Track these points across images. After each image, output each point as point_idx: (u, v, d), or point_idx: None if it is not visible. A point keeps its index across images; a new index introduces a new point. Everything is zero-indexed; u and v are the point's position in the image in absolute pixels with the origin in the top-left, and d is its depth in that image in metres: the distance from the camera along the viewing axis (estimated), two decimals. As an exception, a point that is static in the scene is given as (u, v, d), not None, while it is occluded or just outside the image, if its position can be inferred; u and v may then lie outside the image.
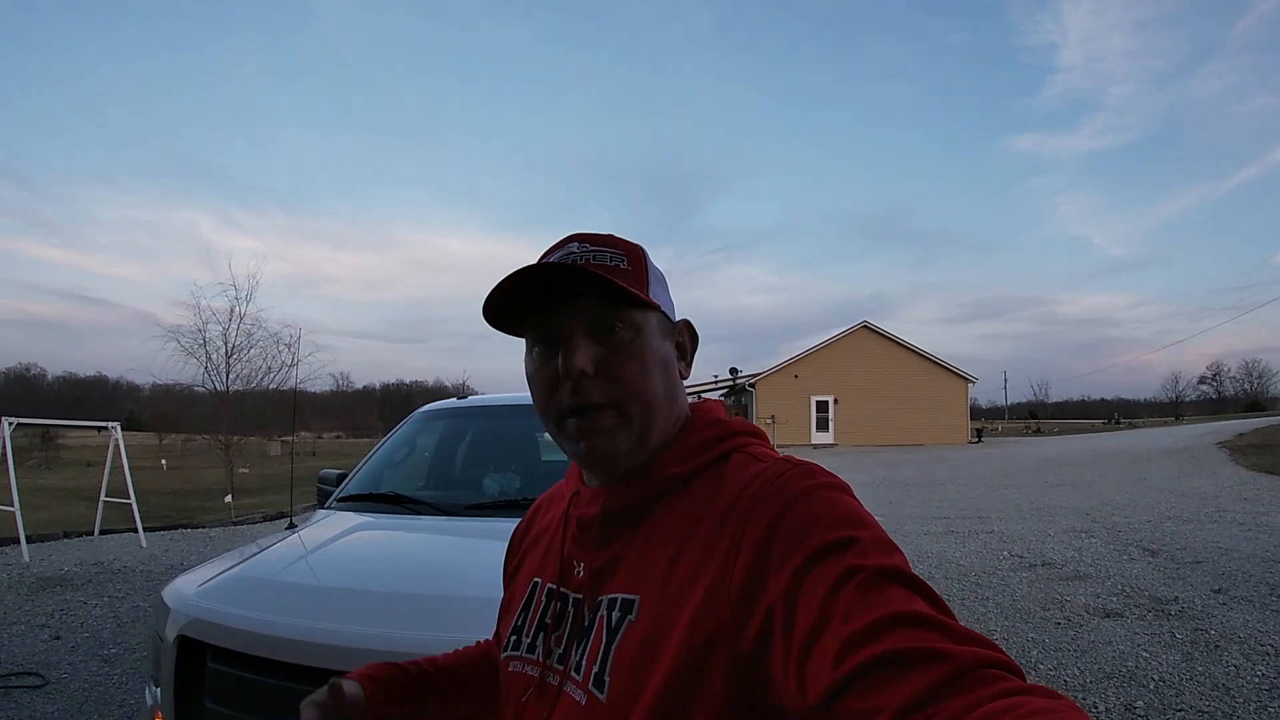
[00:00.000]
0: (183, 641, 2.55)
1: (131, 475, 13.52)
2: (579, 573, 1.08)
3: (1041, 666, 5.98)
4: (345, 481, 4.56)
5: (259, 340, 25.23)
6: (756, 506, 0.89)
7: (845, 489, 0.91)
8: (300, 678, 2.25)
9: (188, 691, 2.53)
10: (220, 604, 2.64)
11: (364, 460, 4.82)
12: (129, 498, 13.25)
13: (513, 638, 1.15)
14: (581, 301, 1.01)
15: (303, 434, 48.01)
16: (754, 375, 47.25)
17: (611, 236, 1.11)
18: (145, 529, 13.64)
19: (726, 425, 1.10)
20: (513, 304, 1.04)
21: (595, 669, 0.94)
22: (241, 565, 3.10)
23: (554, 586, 1.11)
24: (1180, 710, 5.07)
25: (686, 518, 0.97)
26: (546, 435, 5.04)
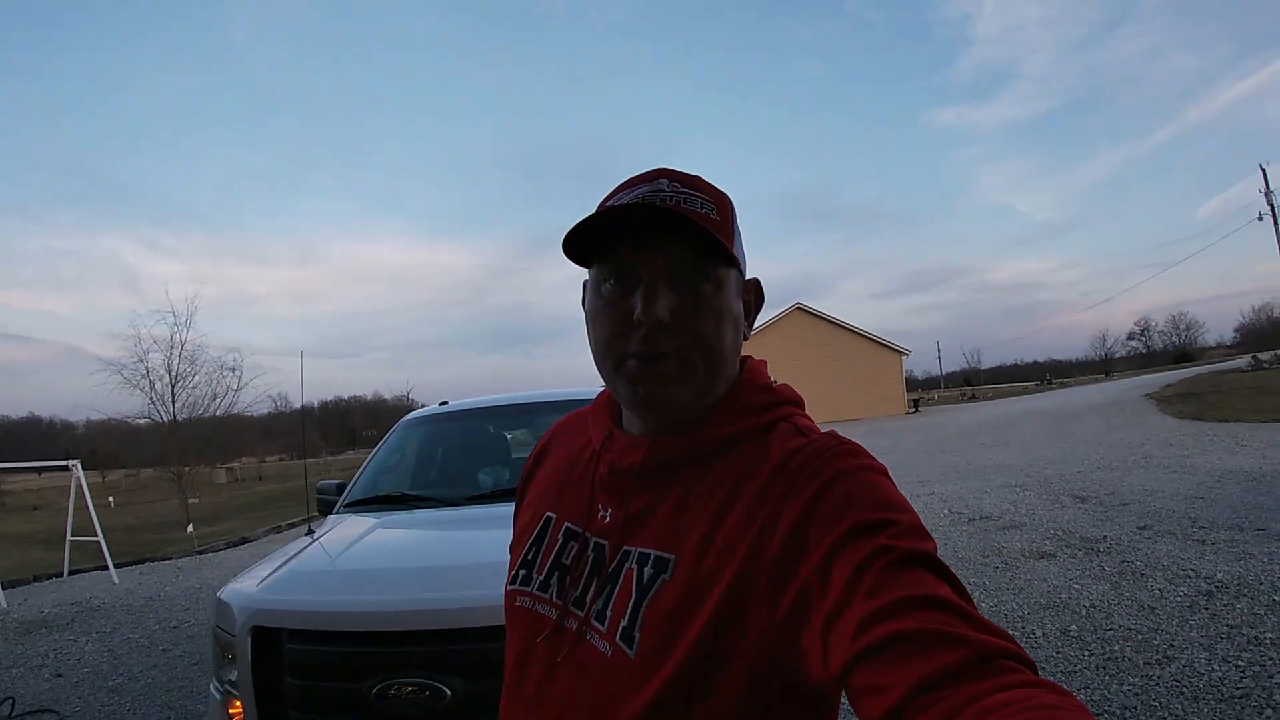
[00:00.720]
0: (256, 631, 2.94)
1: (93, 513, 13.61)
2: (604, 517, 1.05)
3: (984, 605, 6.58)
4: (348, 489, 4.97)
5: (203, 366, 25.13)
6: (799, 480, 0.89)
7: (884, 472, 0.93)
8: (365, 642, 2.77)
9: (264, 675, 2.92)
10: (286, 595, 3.08)
11: (361, 468, 5.25)
12: (95, 535, 13.29)
13: (521, 571, 1.12)
14: (670, 246, 0.97)
15: (245, 459, 47.15)
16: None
17: (700, 179, 1.05)
18: (98, 568, 13.81)
19: (775, 392, 1.09)
20: (591, 233, 1.00)
21: (624, 623, 0.93)
22: (289, 563, 3.50)
23: (574, 526, 1.09)
24: (1110, 630, 5.70)
25: (727, 482, 0.96)
26: (513, 434, 5.56)
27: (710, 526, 0.93)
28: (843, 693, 0.80)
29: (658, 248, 0.97)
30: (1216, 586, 6.40)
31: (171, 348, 24.32)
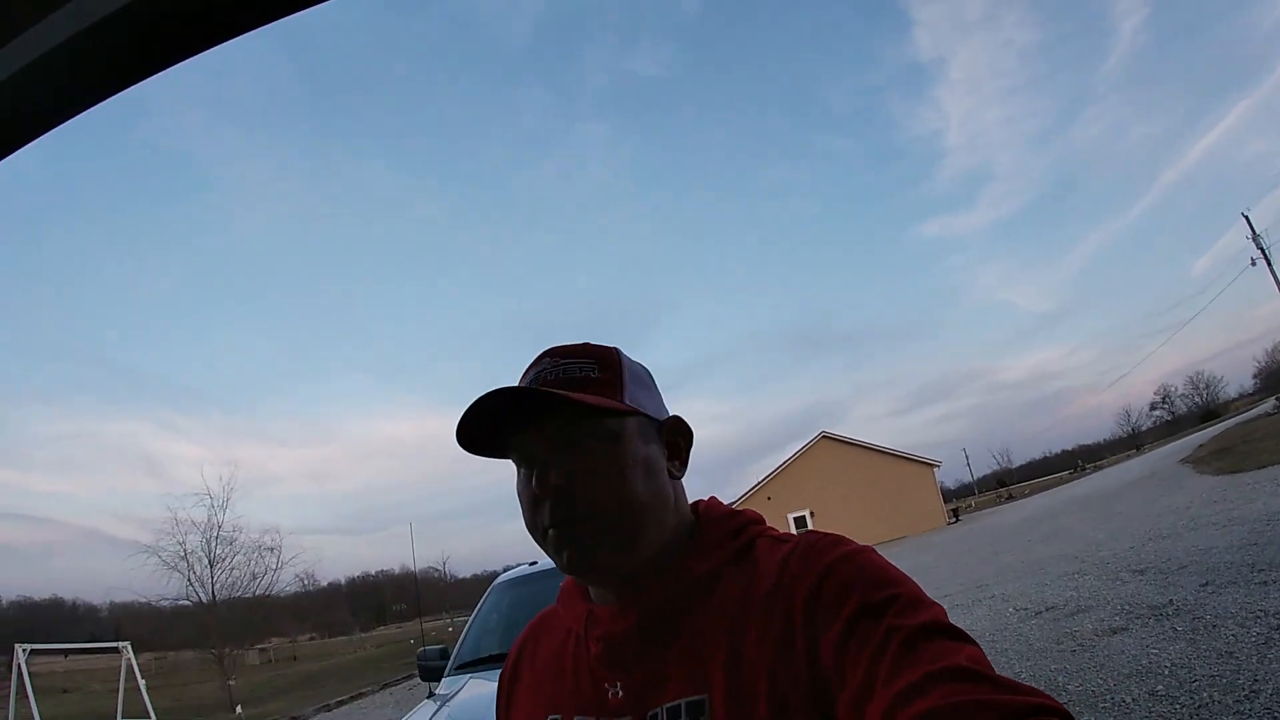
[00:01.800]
0: None
1: (146, 695, 13.57)
2: (615, 695, 1.02)
3: (1070, 686, 6.65)
4: (455, 651, 5.26)
5: (242, 548, 25.15)
6: (797, 580, 0.90)
7: (873, 551, 0.94)
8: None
9: None
10: None
11: (465, 631, 5.57)
12: (148, 717, 13.26)
13: None
14: (549, 420, 1.01)
15: (275, 640, 46.21)
16: (731, 504, 47.43)
17: (585, 346, 1.10)
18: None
19: (740, 515, 1.12)
20: (491, 428, 1.04)
21: None
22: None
23: (586, 718, 1.05)
24: (1195, 681, 5.82)
25: (729, 610, 0.96)
26: None
27: (730, 655, 0.92)
28: None
29: (540, 425, 1.01)
30: None
31: (210, 530, 24.40)
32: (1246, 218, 42.95)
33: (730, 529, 1.07)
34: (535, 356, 1.10)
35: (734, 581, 0.98)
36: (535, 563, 6.24)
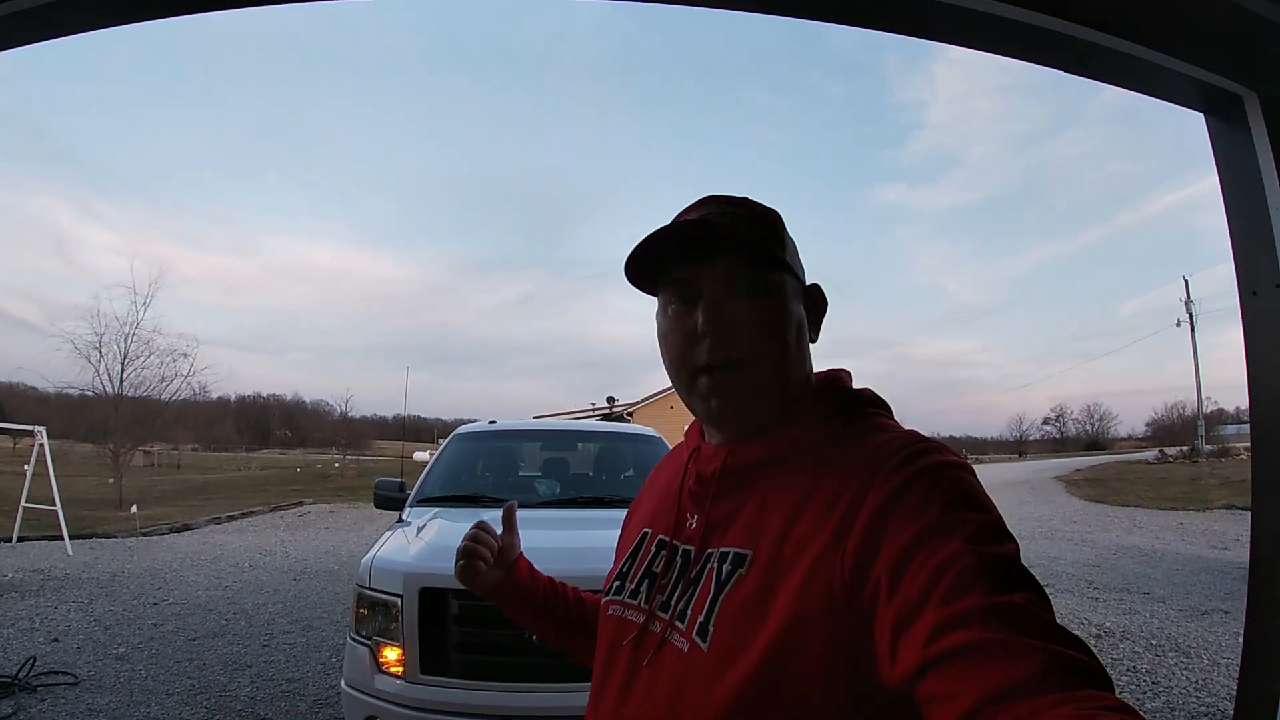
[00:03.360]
0: (425, 593, 3.70)
1: (9, 480, 13.15)
2: (691, 525, 1.07)
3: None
4: (417, 487, 5.70)
5: (156, 350, 25.09)
6: (881, 473, 0.88)
7: (970, 470, 0.89)
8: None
9: (426, 627, 3.68)
10: (444, 564, 3.33)
11: (426, 470, 6.03)
12: (54, 504, 13.57)
13: (615, 583, 1.16)
14: (722, 259, 1.01)
15: (158, 445, 45.52)
16: (631, 404, 47.52)
17: (747, 199, 1.10)
18: (45, 538, 14.11)
19: (863, 393, 1.10)
20: (650, 261, 1.06)
21: (700, 618, 0.95)
22: (425, 540, 4.21)
23: (665, 538, 1.11)
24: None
25: (808, 478, 0.95)
26: (525, 451, 6.48)
27: (787, 523, 0.92)
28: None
29: (712, 262, 1.02)
30: (1105, 631, 7.69)
31: (129, 325, 24.28)
32: (1186, 281, 44.24)
33: (839, 405, 1.06)
34: (695, 201, 1.11)
35: (824, 456, 0.97)
36: (494, 421, 6.73)
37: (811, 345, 1.11)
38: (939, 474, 0.86)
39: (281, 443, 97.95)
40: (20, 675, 6.15)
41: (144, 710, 5.71)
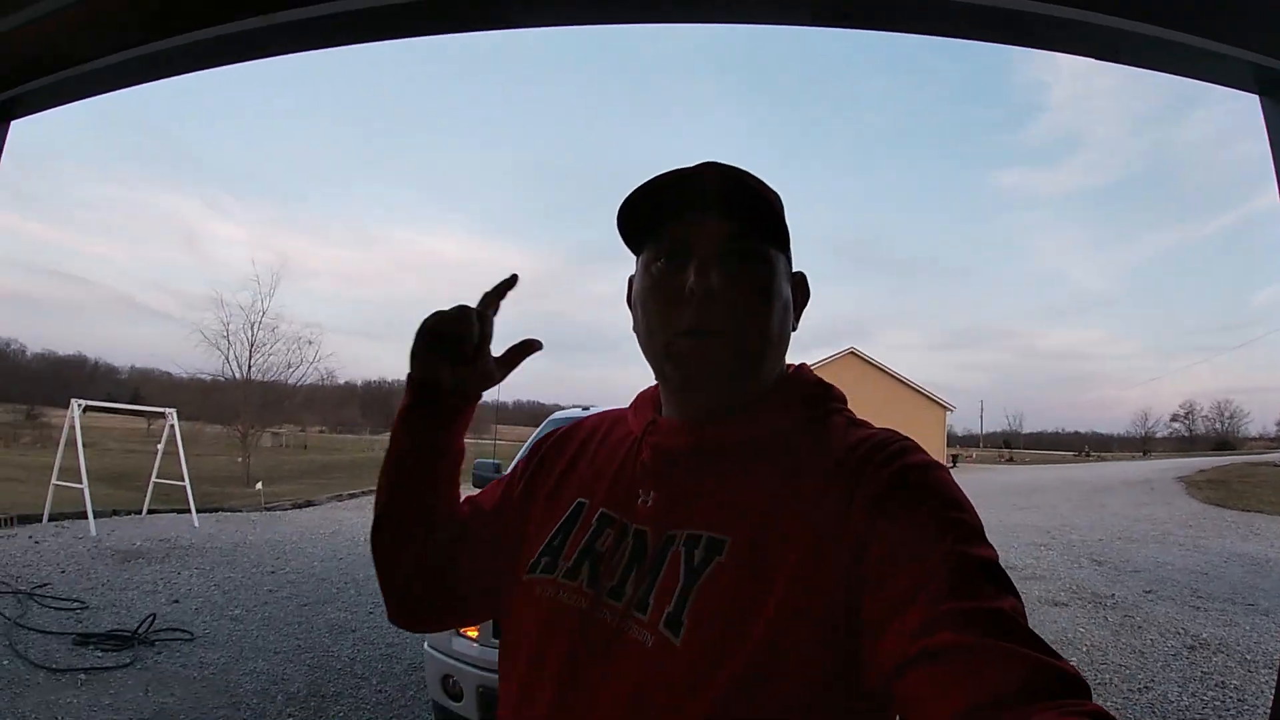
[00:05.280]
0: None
1: (141, 458, 13.99)
2: (645, 502, 0.98)
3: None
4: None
5: (282, 337, 26.46)
6: (871, 467, 0.87)
7: (948, 470, 0.90)
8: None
9: None
10: None
11: (518, 456, 6.17)
12: (183, 480, 14.24)
13: (544, 558, 1.02)
14: (718, 222, 0.96)
15: (287, 426, 47.31)
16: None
17: (747, 172, 1.01)
18: (174, 510, 14.76)
19: (831, 387, 1.06)
20: (643, 216, 1.00)
21: (669, 609, 0.87)
22: None
23: (610, 512, 1.01)
24: (1104, 665, 6.68)
25: (785, 468, 0.92)
26: None
27: (768, 511, 0.88)
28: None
29: (710, 220, 0.96)
30: (1200, 643, 7.37)
31: (254, 313, 25.67)
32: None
33: (812, 395, 1.03)
34: (699, 162, 1.00)
35: (799, 445, 0.94)
36: (589, 408, 6.81)
37: (794, 331, 1.07)
38: (925, 473, 0.86)
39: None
40: (140, 630, 6.62)
41: (251, 665, 6.16)
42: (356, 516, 16.44)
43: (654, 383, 1.11)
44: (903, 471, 0.85)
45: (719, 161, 0.99)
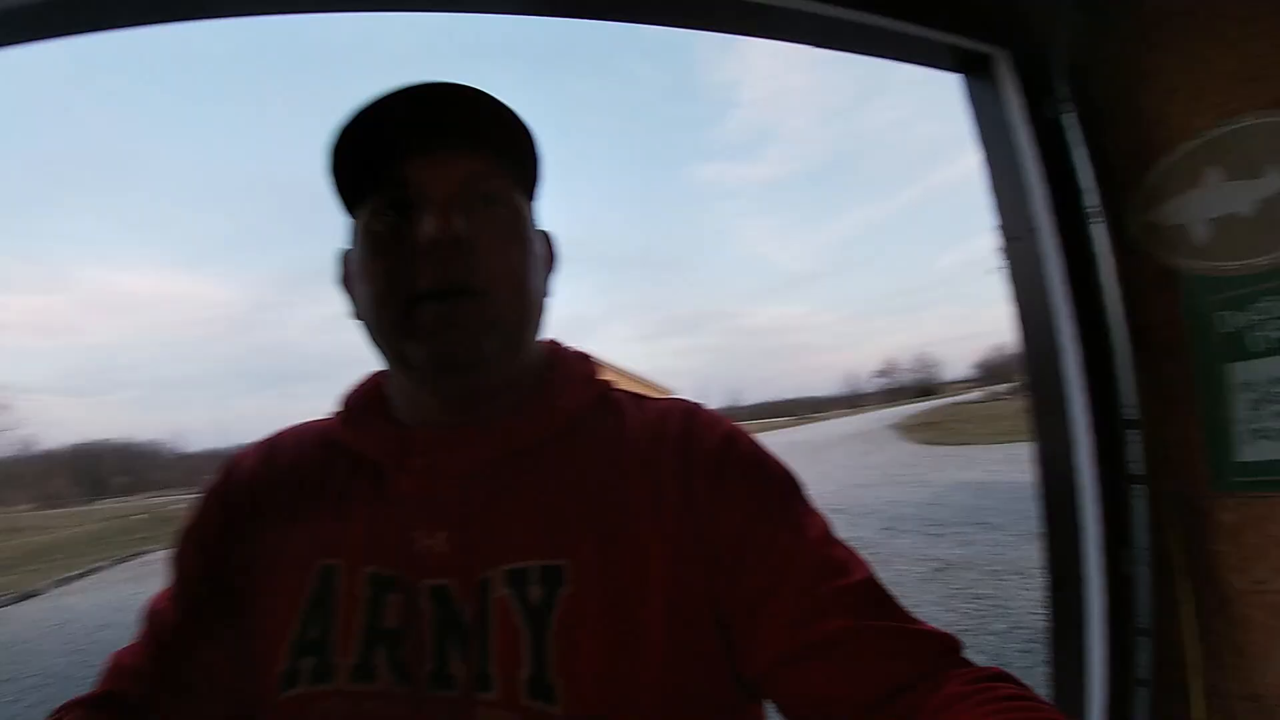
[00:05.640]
0: None
1: None
2: (431, 546, 0.73)
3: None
4: None
5: None
6: (692, 446, 0.75)
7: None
8: None
9: None
10: None
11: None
12: None
13: (304, 662, 0.72)
14: (459, 160, 0.74)
15: None
16: None
17: (492, 95, 0.75)
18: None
19: (592, 361, 0.89)
20: (362, 155, 0.74)
21: (526, 672, 0.66)
22: None
23: (381, 572, 0.73)
24: (863, 600, 7.15)
25: (600, 459, 0.76)
26: None
27: (600, 515, 0.72)
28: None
29: (451, 156, 0.74)
30: (947, 564, 8.02)
31: None
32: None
33: (587, 372, 0.86)
34: (425, 81, 0.73)
35: (597, 432, 0.79)
36: None
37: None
38: (745, 444, 0.78)
39: (120, 489, 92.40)
40: None
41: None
42: (86, 601, 15.02)
43: (355, 382, 0.90)
44: (725, 446, 0.76)
45: (451, 82, 0.73)
